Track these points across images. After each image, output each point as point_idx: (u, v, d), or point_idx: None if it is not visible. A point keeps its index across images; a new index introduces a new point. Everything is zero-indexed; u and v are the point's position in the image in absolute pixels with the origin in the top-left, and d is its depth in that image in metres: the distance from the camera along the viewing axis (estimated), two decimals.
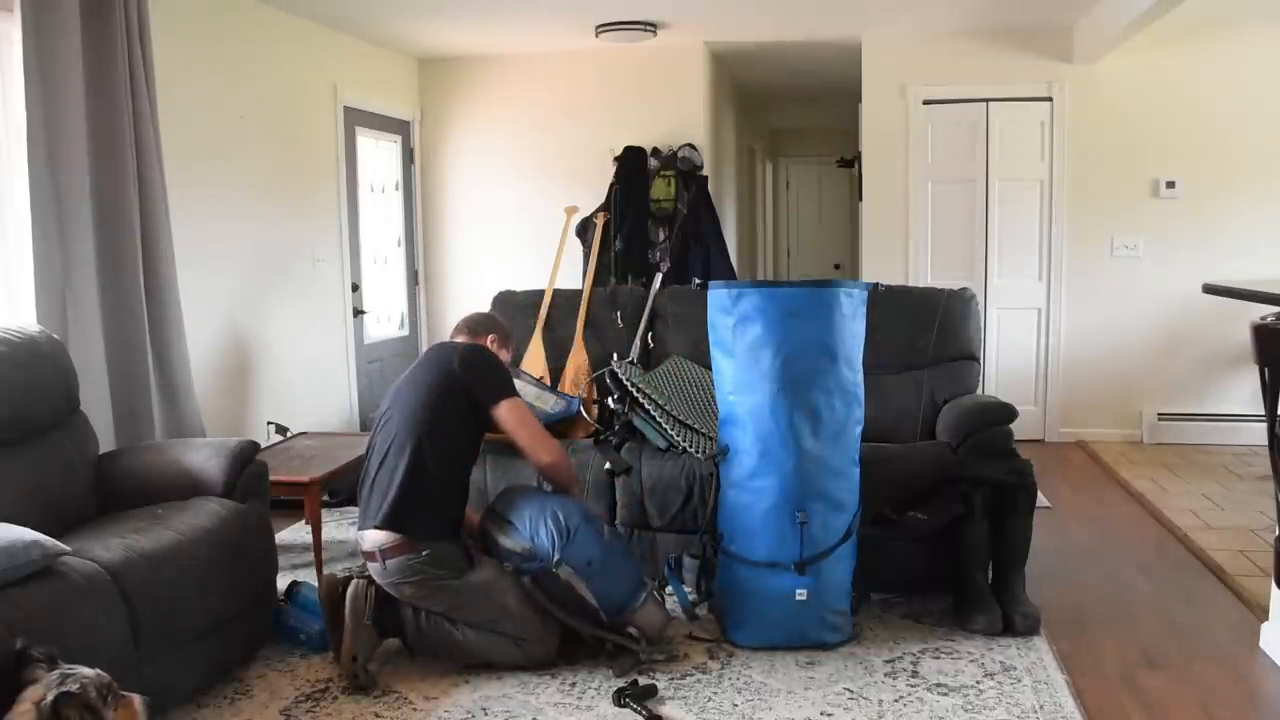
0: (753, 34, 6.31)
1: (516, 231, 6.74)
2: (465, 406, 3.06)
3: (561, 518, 3.00)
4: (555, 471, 3.19)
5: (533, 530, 2.99)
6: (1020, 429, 3.73)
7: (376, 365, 6.33)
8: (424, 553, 2.93)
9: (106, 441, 3.57)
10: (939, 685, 2.91)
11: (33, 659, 2.10)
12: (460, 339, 3.38)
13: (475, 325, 3.48)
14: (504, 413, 3.06)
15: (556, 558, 2.94)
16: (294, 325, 5.39)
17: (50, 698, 2.01)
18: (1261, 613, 3.29)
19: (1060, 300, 6.23)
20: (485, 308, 4.57)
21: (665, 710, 2.78)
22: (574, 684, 2.95)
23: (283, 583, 3.42)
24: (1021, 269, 6.27)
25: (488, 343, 3.36)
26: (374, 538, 2.95)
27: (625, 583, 3.05)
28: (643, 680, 2.92)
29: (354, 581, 3.00)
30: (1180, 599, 3.61)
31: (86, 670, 2.11)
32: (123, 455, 3.39)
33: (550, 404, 3.98)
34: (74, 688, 2.04)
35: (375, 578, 2.99)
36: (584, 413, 4.02)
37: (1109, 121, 6.07)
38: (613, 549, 3.09)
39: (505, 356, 3.45)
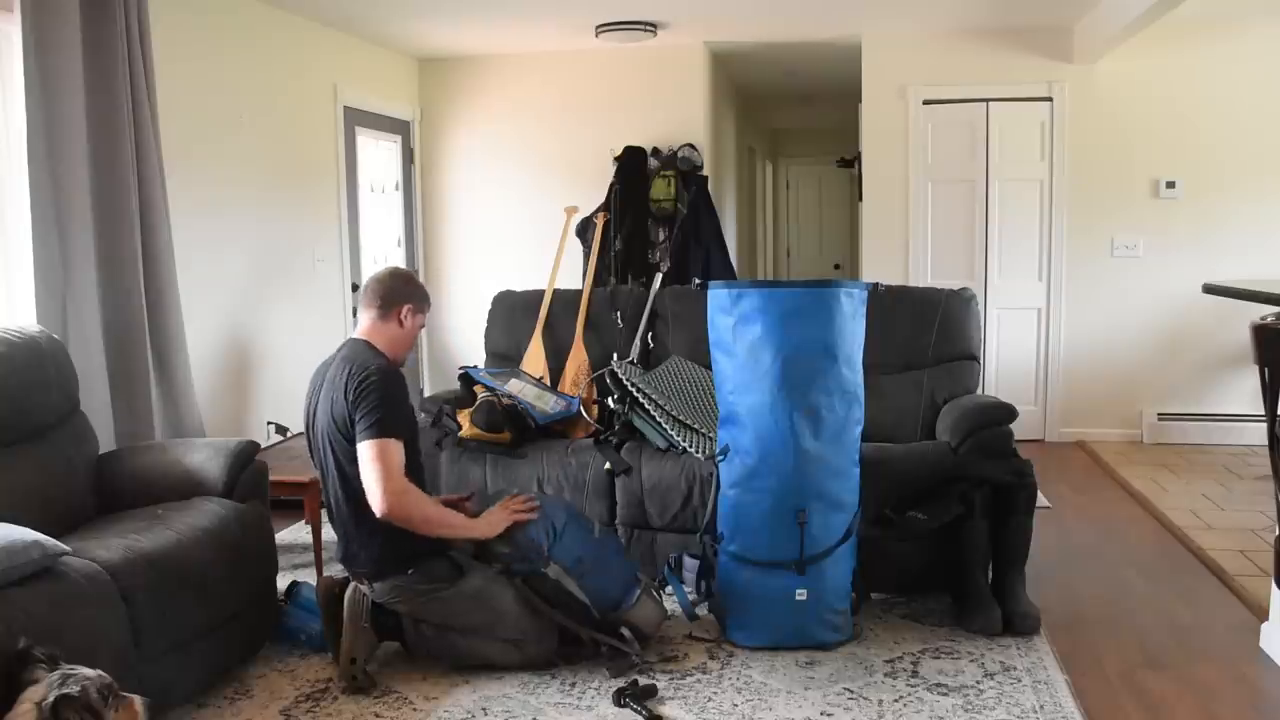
0: (753, 34, 6.31)
1: (516, 231, 6.74)
2: None
3: (549, 517, 3.00)
4: (399, 523, 2.81)
5: (521, 531, 2.98)
6: (1020, 429, 3.72)
7: None
8: (409, 572, 2.93)
9: (106, 441, 3.57)
10: (939, 685, 2.91)
11: (35, 659, 2.10)
12: (365, 320, 3.03)
13: (386, 301, 3.01)
14: (362, 449, 2.79)
15: (545, 556, 2.95)
16: (294, 325, 5.39)
17: (51, 699, 2.01)
18: (1261, 613, 3.28)
19: (1060, 300, 6.23)
20: (485, 306, 4.56)
21: (665, 710, 2.78)
22: (574, 684, 2.95)
23: (283, 583, 3.42)
24: (1021, 269, 6.27)
25: (402, 316, 3.02)
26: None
27: (617, 580, 3.05)
28: (643, 680, 2.92)
29: (351, 584, 3.00)
30: (1180, 599, 3.60)
31: (88, 671, 2.11)
32: (123, 455, 3.39)
33: (550, 404, 3.98)
34: (74, 689, 2.04)
35: (368, 594, 3.00)
36: (584, 413, 4.02)
37: (1109, 121, 6.06)
38: (604, 546, 3.11)
39: (422, 320, 3.10)
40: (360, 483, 2.86)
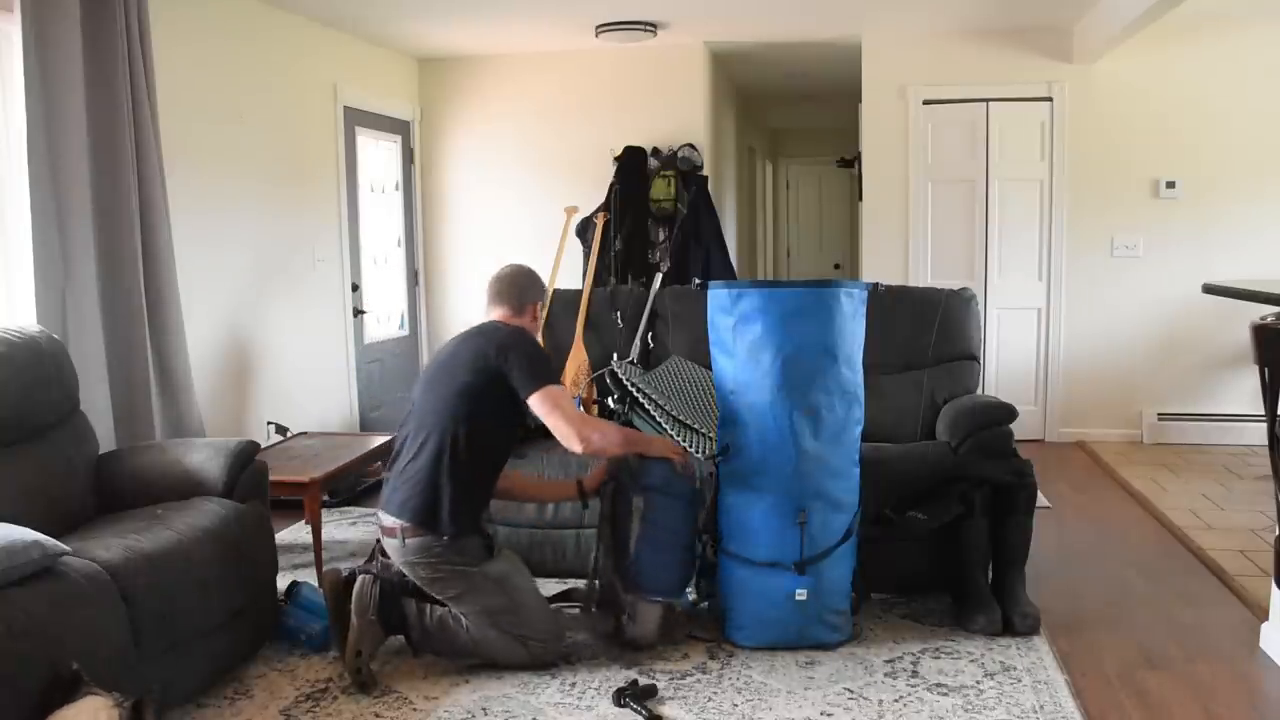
0: (753, 34, 6.31)
1: (516, 231, 6.74)
2: (505, 395, 2.99)
3: (686, 478, 3.18)
4: (597, 453, 3.07)
5: (675, 465, 3.17)
6: (1020, 429, 3.73)
7: (376, 365, 6.33)
8: (445, 538, 2.94)
9: (106, 441, 3.57)
10: (939, 685, 2.91)
11: (85, 681, 2.18)
12: (498, 314, 3.22)
13: (520, 297, 3.24)
14: (535, 402, 2.97)
15: (647, 482, 3.08)
16: (294, 325, 5.39)
17: (132, 699, 2.11)
18: (1261, 613, 3.28)
19: (1060, 300, 6.23)
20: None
21: (665, 710, 2.78)
22: (574, 684, 2.95)
23: (283, 583, 3.42)
24: (1021, 269, 6.27)
25: (537, 312, 3.30)
26: (395, 518, 2.98)
27: (666, 578, 3.16)
28: (643, 680, 2.92)
29: (359, 578, 3.00)
30: (1180, 599, 3.61)
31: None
32: (123, 455, 3.39)
33: None
34: (156, 690, 2.16)
35: (390, 554, 3.00)
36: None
37: (1109, 121, 6.06)
38: (685, 549, 3.23)
39: (543, 310, 3.40)
40: (469, 436, 2.95)
